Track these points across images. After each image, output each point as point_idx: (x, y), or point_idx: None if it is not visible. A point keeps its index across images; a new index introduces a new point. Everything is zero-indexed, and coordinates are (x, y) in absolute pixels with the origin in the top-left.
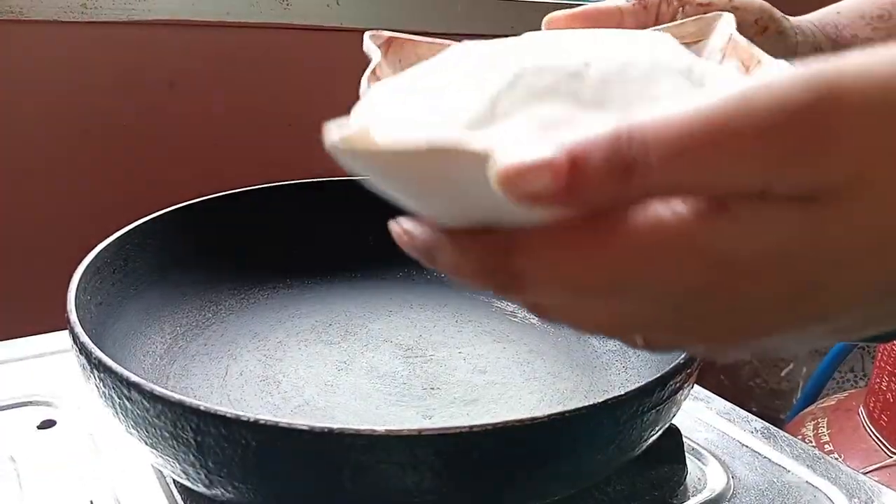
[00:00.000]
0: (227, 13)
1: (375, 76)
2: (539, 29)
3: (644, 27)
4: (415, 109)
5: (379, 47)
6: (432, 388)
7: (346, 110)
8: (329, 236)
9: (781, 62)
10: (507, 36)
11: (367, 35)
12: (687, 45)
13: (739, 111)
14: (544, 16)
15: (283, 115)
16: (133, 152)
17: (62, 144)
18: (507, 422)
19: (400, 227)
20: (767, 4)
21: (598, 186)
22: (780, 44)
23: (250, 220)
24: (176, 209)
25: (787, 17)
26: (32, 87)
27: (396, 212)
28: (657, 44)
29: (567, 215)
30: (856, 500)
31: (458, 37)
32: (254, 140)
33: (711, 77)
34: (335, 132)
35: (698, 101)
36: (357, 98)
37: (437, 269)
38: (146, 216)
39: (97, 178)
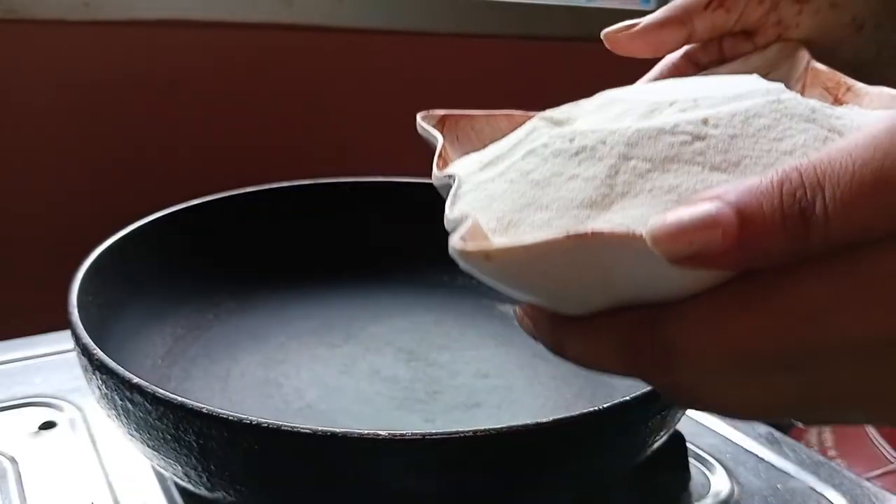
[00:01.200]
0: (230, 12)
1: (443, 160)
2: (539, 31)
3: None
4: (523, 201)
5: (434, 126)
6: (435, 392)
7: (347, 111)
8: (331, 238)
9: (879, 88)
10: (516, 37)
11: (419, 117)
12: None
13: None
14: (550, 17)
15: (286, 116)
16: (134, 152)
17: (63, 144)
18: (511, 427)
19: (521, 312)
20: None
21: (773, 240)
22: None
23: (252, 221)
24: (177, 210)
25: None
26: (34, 87)
27: (397, 215)
28: (762, 84)
29: (726, 278)
30: None
31: (465, 38)
32: (256, 140)
33: (839, 118)
34: (459, 241)
35: (864, 134)
36: (359, 111)
37: (565, 357)
38: (148, 217)
39: (98, 178)
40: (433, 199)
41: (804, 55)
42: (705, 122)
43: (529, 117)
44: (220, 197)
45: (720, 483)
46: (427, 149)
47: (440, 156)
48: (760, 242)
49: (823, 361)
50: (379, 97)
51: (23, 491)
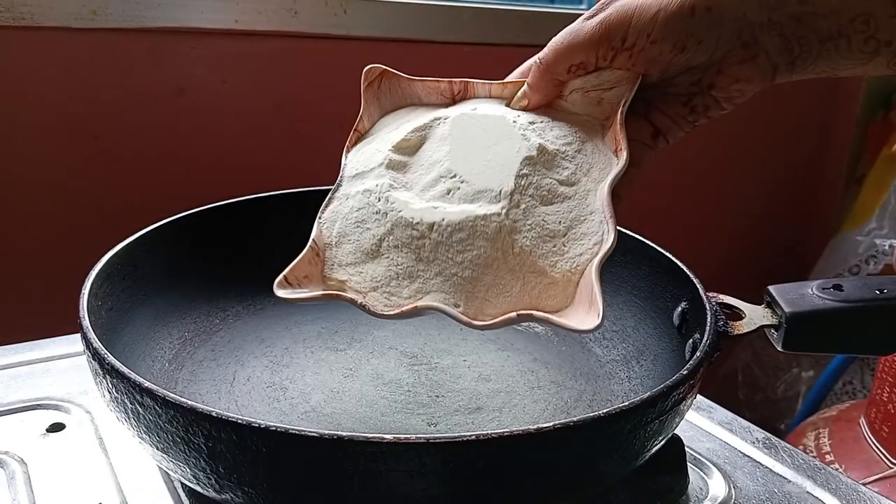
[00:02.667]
0: (236, 21)
1: (358, 133)
2: (540, 34)
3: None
4: (337, 238)
5: (372, 82)
6: (437, 396)
7: (351, 117)
8: None
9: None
10: (516, 45)
11: (364, 71)
12: (601, 91)
13: None
14: (547, 25)
15: (291, 123)
16: (142, 159)
17: (71, 150)
18: (513, 431)
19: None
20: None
21: None
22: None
23: (258, 226)
24: (184, 216)
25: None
26: (42, 93)
27: None
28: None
29: None
30: None
31: (465, 46)
32: (261, 147)
33: (521, 235)
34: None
35: None
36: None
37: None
38: (155, 223)
39: (106, 184)
40: None
41: (633, 90)
42: (433, 227)
43: (444, 83)
44: (227, 203)
45: (718, 487)
46: None
47: (355, 129)
48: None
49: None
50: None
51: (32, 492)
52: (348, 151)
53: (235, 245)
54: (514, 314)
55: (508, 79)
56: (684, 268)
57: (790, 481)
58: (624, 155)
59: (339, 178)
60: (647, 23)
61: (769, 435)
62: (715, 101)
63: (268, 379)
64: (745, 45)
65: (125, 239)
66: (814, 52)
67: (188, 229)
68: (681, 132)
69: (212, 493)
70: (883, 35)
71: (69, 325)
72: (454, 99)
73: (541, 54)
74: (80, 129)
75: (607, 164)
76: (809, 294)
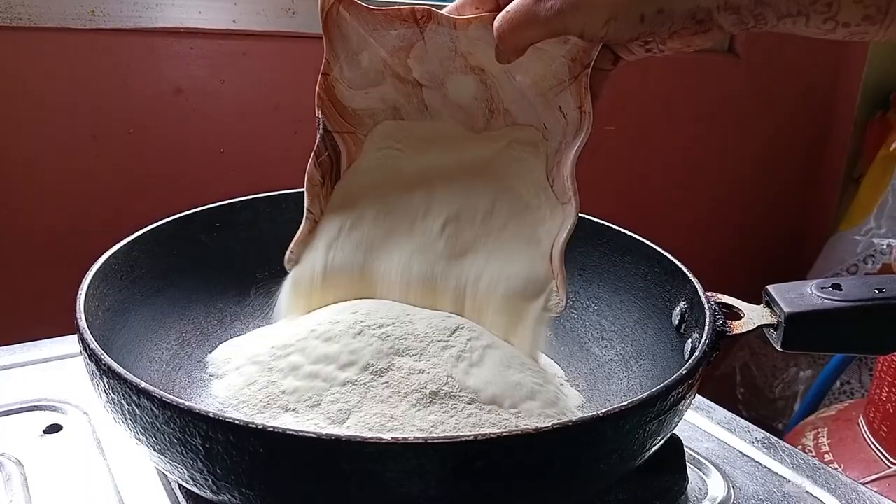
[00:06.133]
0: (234, 21)
1: (326, 77)
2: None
3: None
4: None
5: (330, 10)
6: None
7: None
8: None
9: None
10: None
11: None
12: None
13: None
14: None
15: (289, 123)
16: (139, 159)
17: (69, 150)
18: (511, 431)
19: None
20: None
21: None
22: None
23: (256, 228)
24: (182, 217)
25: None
26: (40, 94)
27: None
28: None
29: None
30: None
31: None
32: (259, 148)
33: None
34: None
35: None
36: None
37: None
38: (153, 223)
39: (104, 185)
40: None
41: (596, 50)
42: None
43: (406, 10)
44: (224, 203)
45: (717, 487)
46: None
47: (323, 73)
48: None
49: None
50: None
51: (28, 493)
52: (320, 100)
53: (233, 246)
54: None
55: (458, 5)
56: (683, 267)
57: (789, 481)
58: (588, 121)
59: (317, 125)
60: (599, 29)
61: (768, 435)
62: (669, 50)
63: None
64: (699, 21)
65: (123, 239)
66: (769, 25)
67: (185, 230)
68: (638, 59)
69: (209, 495)
70: (843, 17)
71: (66, 325)
72: (417, 23)
73: (496, 24)
74: (76, 130)
75: (572, 126)
76: (808, 293)
